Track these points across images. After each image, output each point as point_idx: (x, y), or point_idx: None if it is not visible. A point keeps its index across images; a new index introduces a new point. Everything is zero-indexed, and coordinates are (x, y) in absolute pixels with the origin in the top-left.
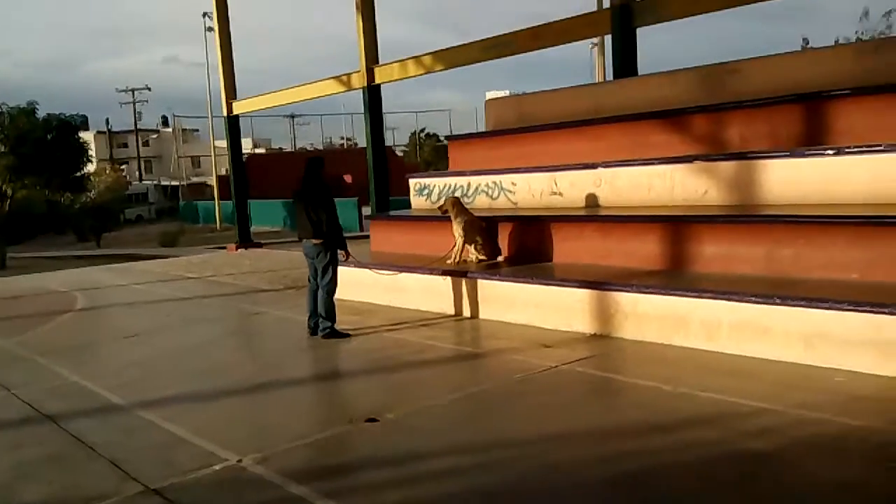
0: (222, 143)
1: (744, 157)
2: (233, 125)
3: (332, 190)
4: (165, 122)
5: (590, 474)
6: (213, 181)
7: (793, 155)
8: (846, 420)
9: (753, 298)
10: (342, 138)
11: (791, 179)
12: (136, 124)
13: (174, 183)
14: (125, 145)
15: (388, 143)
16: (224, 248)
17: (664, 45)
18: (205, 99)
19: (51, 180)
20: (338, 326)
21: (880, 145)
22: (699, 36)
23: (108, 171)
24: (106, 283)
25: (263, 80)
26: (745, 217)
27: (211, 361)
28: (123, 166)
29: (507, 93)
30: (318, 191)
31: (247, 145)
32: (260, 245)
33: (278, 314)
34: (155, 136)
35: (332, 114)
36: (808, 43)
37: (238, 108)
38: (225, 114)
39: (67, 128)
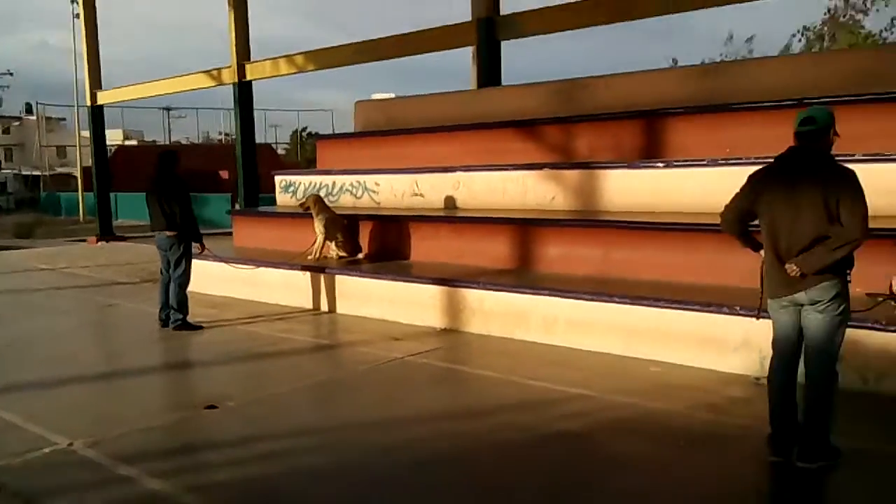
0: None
1: (587, 167)
2: (96, 116)
3: (208, 185)
4: (30, 110)
5: (405, 455)
6: (78, 172)
7: (629, 166)
8: (652, 405)
9: (584, 296)
10: (220, 133)
11: (628, 189)
12: None
13: (36, 173)
14: None
15: (271, 140)
16: (84, 240)
17: (550, 56)
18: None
19: None
20: (190, 319)
21: (704, 160)
22: (582, 49)
23: None
24: None
25: (143, 69)
26: (585, 221)
27: (57, 351)
28: None
29: (392, 94)
30: (172, 184)
31: (118, 137)
32: (123, 238)
33: (131, 306)
34: (17, 123)
35: (208, 108)
36: (676, 62)
37: (103, 98)
38: (89, 104)
39: None
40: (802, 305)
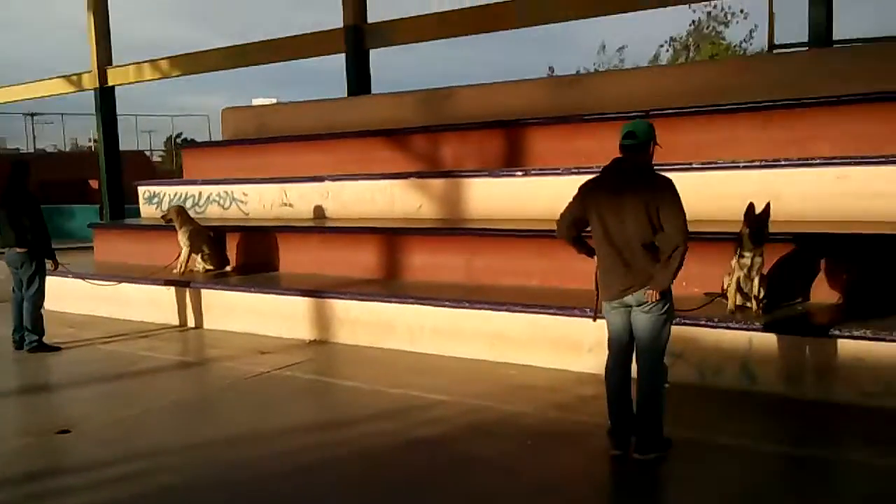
0: None
1: (452, 175)
2: None
3: (76, 196)
4: None
5: (267, 468)
6: None
7: (491, 175)
8: (507, 407)
9: (447, 303)
10: (90, 140)
11: (490, 196)
12: None
13: None
14: None
15: (145, 147)
16: None
17: (434, 63)
18: None
19: None
20: (46, 339)
21: (559, 168)
22: (463, 57)
23: None
24: None
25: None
26: (448, 230)
27: None
28: None
29: (274, 100)
30: (23, 197)
31: None
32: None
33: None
34: None
35: (77, 113)
36: (553, 71)
37: None
38: None
39: None
40: (631, 307)
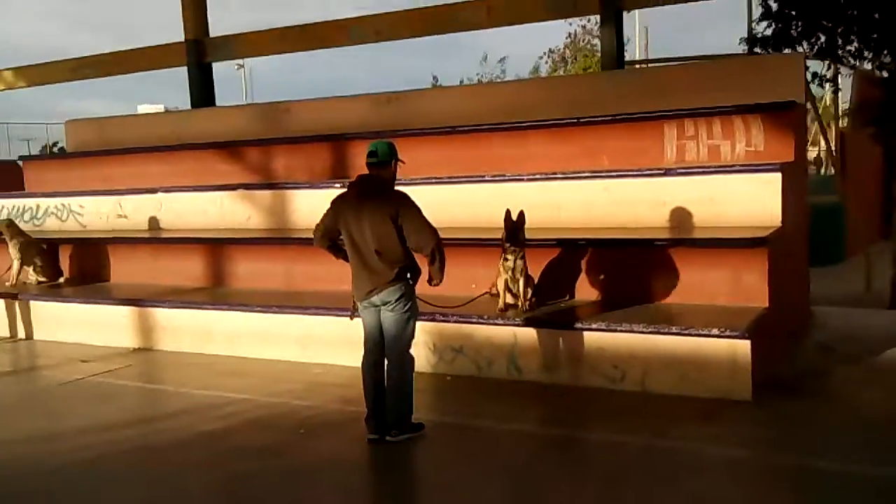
0: None
1: (278, 187)
2: None
3: None
4: None
5: (43, 464)
6: None
7: (312, 187)
8: (296, 402)
9: (259, 309)
10: None
11: (313, 208)
12: None
13: None
14: None
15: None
16: None
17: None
18: None
19: None
20: None
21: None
22: (348, 64)
23: None
24: None
25: None
26: (267, 239)
27: None
28: None
29: (161, 107)
30: None
31: None
32: None
33: None
34: None
35: None
36: (437, 81)
37: None
38: None
39: None
40: (379, 306)
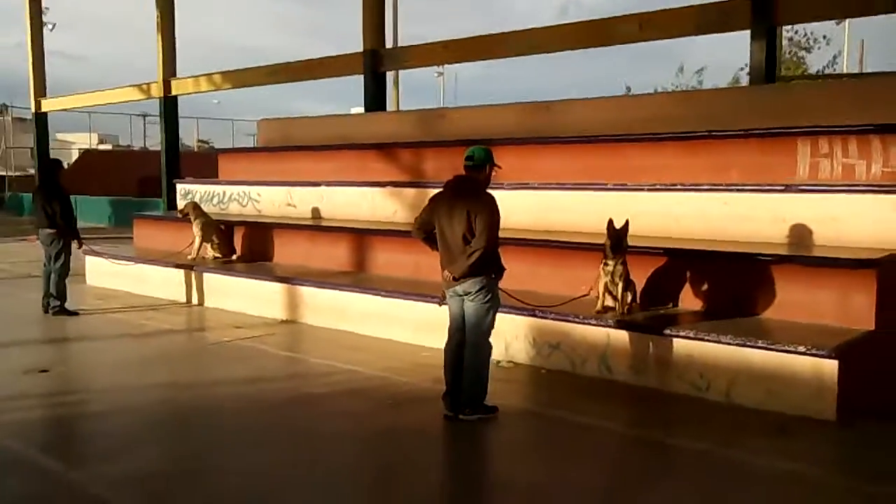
0: (65, 136)
1: (421, 186)
2: (40, 123)
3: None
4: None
5: (183, 402)
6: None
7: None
8: (398, 378)
9: (385, 293)
10: (199, 141)
11: None
12: None
13: (3, 173)
14: None
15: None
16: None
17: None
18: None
19: None
20: (68, 305)
21: (528, 183)
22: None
23: None
24: None
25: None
26: (400, 232)
27: None
28: None
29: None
30: (53, 188)
31: (86, 140)
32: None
33: (27, 296)
34: None
35: (184, 117)
36: (630, 90)
37: (46, 105)
38: (33, 111)
39: None
40: (462, 296)
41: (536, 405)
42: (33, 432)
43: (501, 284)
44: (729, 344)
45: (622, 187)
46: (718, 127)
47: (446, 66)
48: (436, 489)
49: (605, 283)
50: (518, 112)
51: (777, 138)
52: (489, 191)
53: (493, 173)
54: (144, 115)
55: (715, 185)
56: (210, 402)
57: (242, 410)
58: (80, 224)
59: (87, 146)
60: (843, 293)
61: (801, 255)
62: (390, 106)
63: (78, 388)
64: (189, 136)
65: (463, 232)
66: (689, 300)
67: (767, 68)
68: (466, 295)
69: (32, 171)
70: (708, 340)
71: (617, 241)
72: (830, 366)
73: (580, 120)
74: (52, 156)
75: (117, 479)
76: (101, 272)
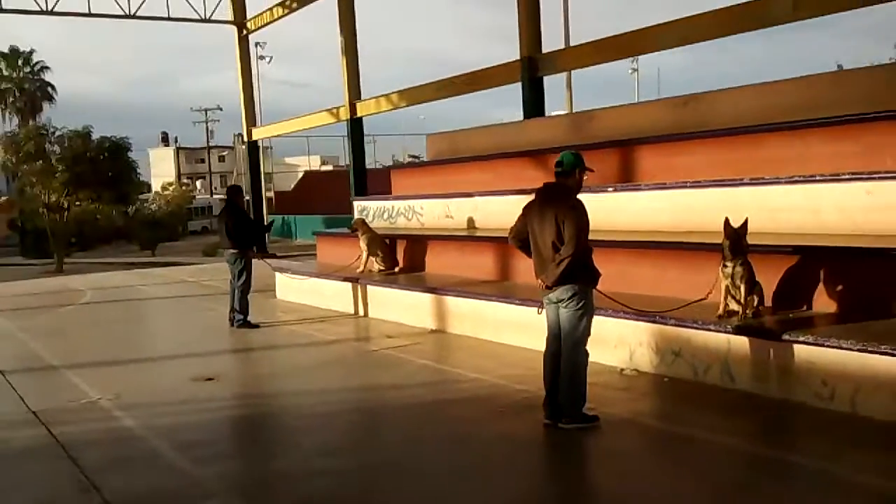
0: (294, 160)
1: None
2: (252, 149)
3: None
4: (242, 140)
5: (323, 409)
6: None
7: (616, 190)
8: (518, 386)
9: (517, 301)
10: (410, 155)
11: (612, 209)
12: (207, 142)
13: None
14: (202, 161)
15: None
16: None
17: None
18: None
19: (101, 195)
20: (250, 318)
21: (667, 183)
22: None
23: (173, 187)
24: (117, 284)
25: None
26: None
27: (141, 341)
28: (199, 181)
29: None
30: (235, 211)
31: (314, 162)
32: (274, 256)
33: (224, 311)
34: (227, 152)
35: (387, 134)
36: (840, 68)
37: (257, 134)
38: (245, 140)
39: (118, 149)
40: (556, 303)
41: (644, 415)
42: (178, 433)
43: (625, 288)
44: (851, 349)
45: (758, 181)
46: (879, 108)
47: (639, 58)
48: (511, 494)
49: (727, 287)
50: (664, 107)
51: None
52: (580, 196)
53: (585, 177)
54: (370, 135)
55: (856, 173)
56: (337, 406)
57: (354, 414)
58: (299, 241)
59: (308, 168)
60: None
61: None
62: (565, 108)
63: (235, 394)
64: (399, 152)
65: (552, 239)
66: (823, 302)
67: None
68: (560, 302)
69: (270, 195)
70: (829, 346)
71: (735, 241)
72: None
73: (729, 111)
74: (284, 178)
75: (235, 477)
76: (288, 287)
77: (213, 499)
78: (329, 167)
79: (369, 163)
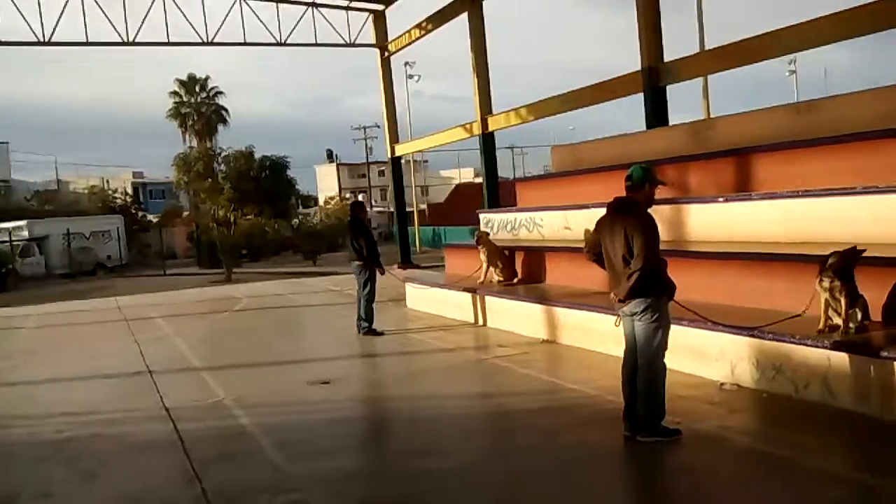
0: (448, 173)
1: (671, 202)
2: (395, 164)
3: None
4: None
5: (417, 411)
6: (418, 208)
7: (727, 200)
8: (607, 396)
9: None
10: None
11: (722, 220)
12: (367, 158)
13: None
14: (363, 175)
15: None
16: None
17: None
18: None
19: (264, 210)
20: (376, 326)
21: (793, 192)
22: None
23: (334, 201)
24: (269, 293)
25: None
26: None
27: (274, 347)
28: (361, 194)
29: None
30: (358, 226)
31: (467, 174)
32: (418, 266)
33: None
34: (385, 167)
35: (535, 145)
36: None
37: (399, 150)
38: (389, 156)
39: (277, 167)
40: (630, 316)
41: (732, 431)
42: (283, 432)
43: (735, 301)
44: None
45: (870, 190)
46: None
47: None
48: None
49: (826, 300)
50: (782, 114)
51: None
52: (651, 210)
53: (657, 191)
54: (512, 147)
55: None
56: (435, 412)
57: (458, 419)
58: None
59: (459, 180)
60: None
61: None
62: (702, 115)
63: (345, 398)
64: (550, 163)
65: (623, 253)
66: None
67: None
68: (634, 315)
69: (423, 207)
70: None
71: (842, 268)
72: None
73: (852, 116)
74: (441, 190)
75: (322, 474)
76: (417, 297)
77: (296, 492)
78: (480, 179)
79: (519, 174)
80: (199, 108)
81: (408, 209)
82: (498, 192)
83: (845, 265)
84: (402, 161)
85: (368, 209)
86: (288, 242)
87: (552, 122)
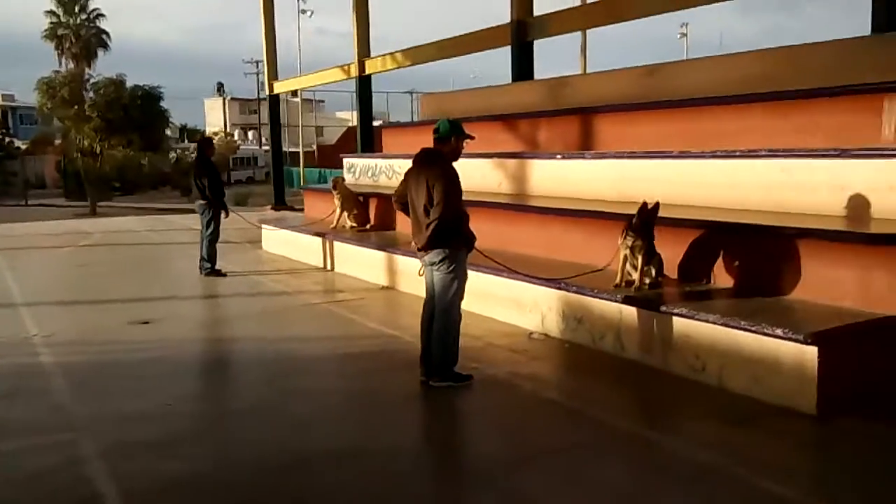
0: (344, 114)
1: (522, 157)
2: (273, 102)
3: None
4: (295, 93)
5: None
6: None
7: (563, 157)
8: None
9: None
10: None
11: (559, 177)
12: (258, 93)
13: (292, 149)
14: (255, 112)
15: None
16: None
17: None
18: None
19: (132, 141)
20: (219, 267)
21: (620, 153)
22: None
23: (218, 137)
24: (126, 229)
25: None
26: (486, 203)
27: (108, 285)
28: (251, 131)
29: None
30: (204, 163)
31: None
32: (292, 209)
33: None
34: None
35: (445, 90)
36: None
37: (277, 87)
38: (267, 93)
39: (150, 97)
40: (429, 265)
41: (521, 377)
42: (83, 373)
43: (559, 255)
44: (716, 324)
45: (685, 155)
46: (825, 83)
47: (688, 24)
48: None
49: (625, 256)
50: (630, 77)
51: (861, 95)
52: (457, 162)
53: (464, 145)
54: (411, 92)
55: (773, 151)
56: (239, 354)
57: (260, 363)
58: None
59: (353, 123)
60: (865, 273)
61: (817, 229)
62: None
63: (158, 338)
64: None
65: (424, 203)
66: (723, 277)
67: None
68: (433, 265)
69: (314, 147)
70: (699, 319)
71: (644, 224)
72: (811, 353)
73: (688, 83)
74: (331, 132)
75: (93, 415)
76: (271, 240)
77: (69, 432)
78: (378, 122)
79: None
80: (77, 30)
81: (297, 149)
82: (373, 138)
83: (644, 222)
84: (291, 99)
85: (258, 146)
86: (166, 177)
87: (455, 68)
